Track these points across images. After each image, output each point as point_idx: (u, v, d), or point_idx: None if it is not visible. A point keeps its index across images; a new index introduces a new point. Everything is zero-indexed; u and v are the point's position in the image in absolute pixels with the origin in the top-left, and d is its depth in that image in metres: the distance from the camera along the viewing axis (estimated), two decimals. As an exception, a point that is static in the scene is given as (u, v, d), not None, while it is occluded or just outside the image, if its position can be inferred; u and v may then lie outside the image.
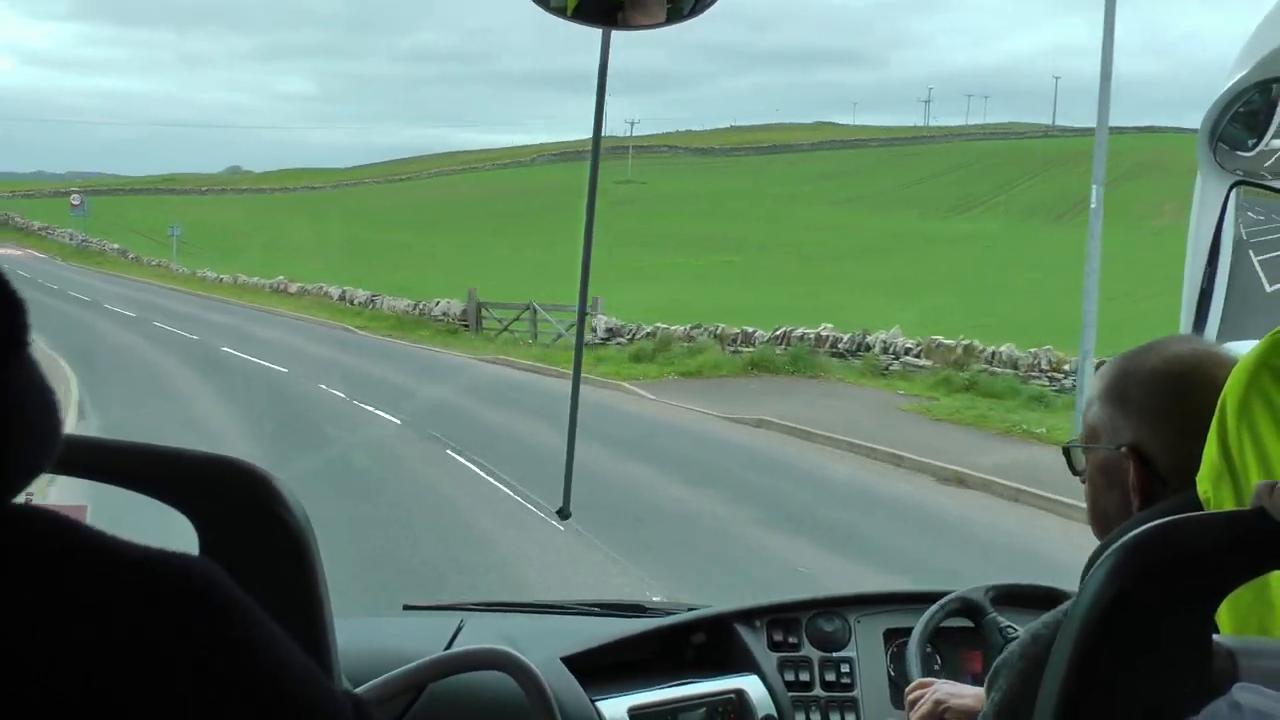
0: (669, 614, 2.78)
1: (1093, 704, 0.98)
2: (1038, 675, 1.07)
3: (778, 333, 24.37)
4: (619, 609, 2.88)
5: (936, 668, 2.54)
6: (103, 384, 19.36)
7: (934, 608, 2.36)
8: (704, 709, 2.52)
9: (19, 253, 68.59)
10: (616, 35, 2.08)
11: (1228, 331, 2.61)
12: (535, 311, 30.35)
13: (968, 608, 2.37)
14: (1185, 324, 2.71)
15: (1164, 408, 1.59)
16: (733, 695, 2.55)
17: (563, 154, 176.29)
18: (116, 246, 64.61)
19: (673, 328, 26.00)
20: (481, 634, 2.51)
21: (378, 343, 30.28)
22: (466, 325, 31.91)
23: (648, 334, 26.32)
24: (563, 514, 2.76)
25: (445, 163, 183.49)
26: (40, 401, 0.70)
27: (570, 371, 2.78)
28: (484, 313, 32.00)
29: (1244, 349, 1.44)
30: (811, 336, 23.88)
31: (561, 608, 2.97)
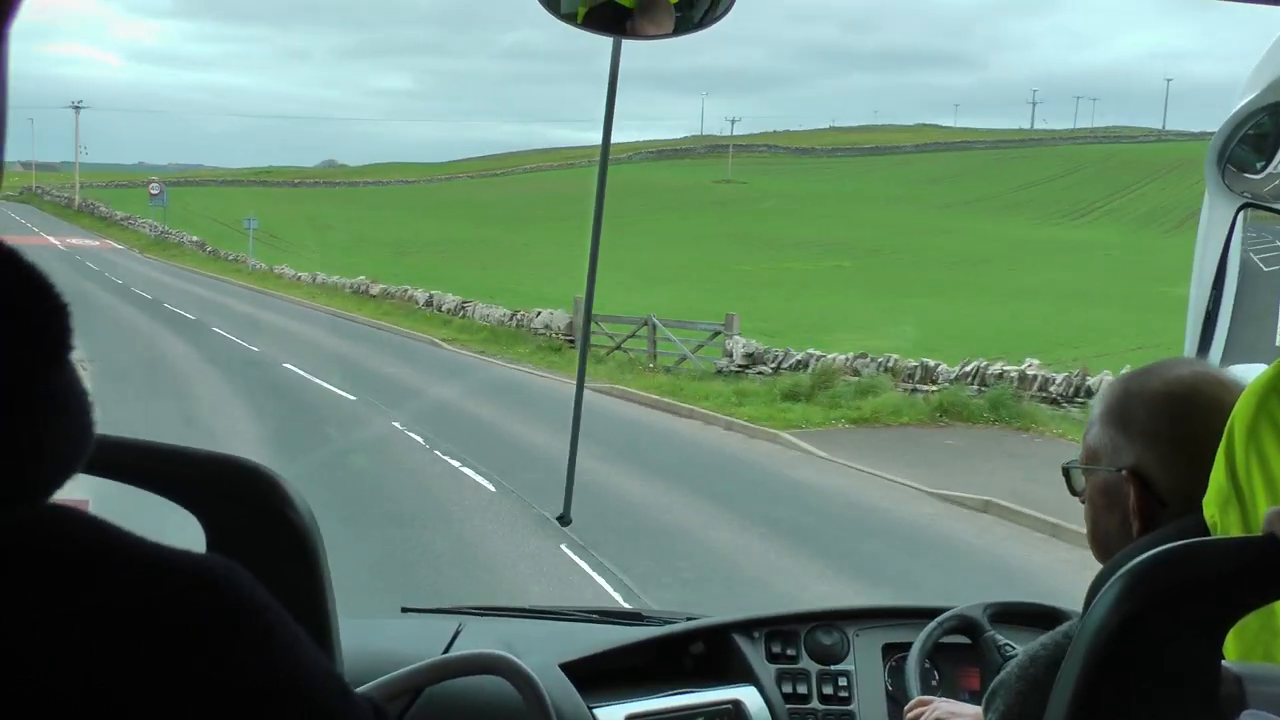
0: (668, 623, 2.78)
1: None
2: (1036, 696, 1.12)
3: (967, 368, 19.32)
4: (618, 616, 2.95)
5: (934, 684, 2.56)
6: (123, 410, 15.08)
7: (933, 624, 2.35)
8: (701, 718, 2.51)
9: (96, 243, 65.55)
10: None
11: (1233, 354, 2.61)
12: (654, 328, 25.59)
13: (966, 625, 2.36)
14: (1190, 346, 2.73)
15: (1165, 430, 1.58)
16: (730, 706, 2.54)
17: (660, 152, 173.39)
18: (195, 239, 61.15)
19: (831, 356, 21.00)
20: (480, 638, 2.52)
21: (469, 361, 25.70)
22: (572, 341, 27.27)
23: (798, 362, 21.38)
24: (563, 520, 2.68)
25: (541, 159, 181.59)
26: (77, 405, 0.69)
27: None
28: (594, 326, 27.38)
29: (1250, 372, 1.45)
30: (1014, 375, 18.80)
31: (561, 613, 2.97)
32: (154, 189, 64.17)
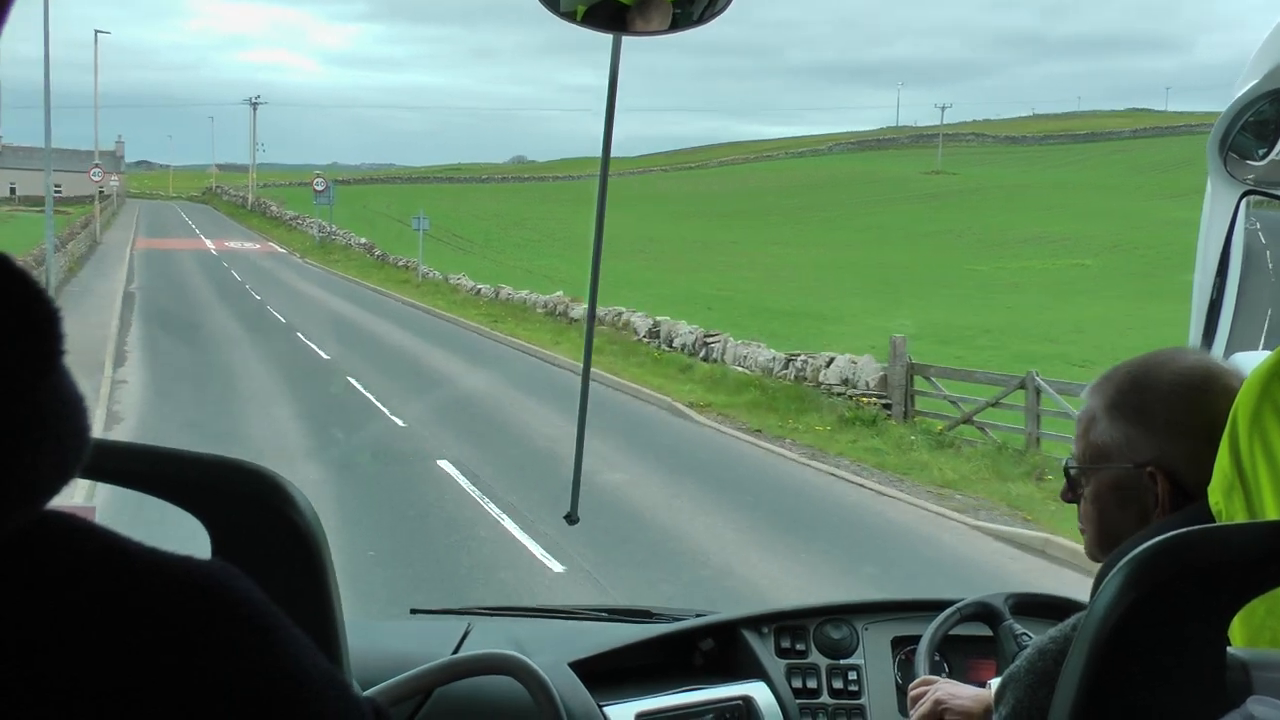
0: (677, 620, 2.76)
1: (1106, 716, 0.96)
2: (1045, 690, 1.10)
3: None
4: (627, 614, 2.90)
5: (945, 675, 2.44)
6: None
7: (948, 611, 2.31)
8: (711, 715, 2.49)
9: (256, 246, 58.22)
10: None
11: (1237, 342, 2.59)
12: (1037, 391, 15.31)
13: (985, 612, 2.33)
14: (1195, 334, 2.69)
15: (1189, 421, 1.54)
16: (740, 702, 2.52)
17: (861, 143, 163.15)
18: (363, 241, 53.12)
19: None
20: (489, 638, 2.50)
21: (747, 454, 15.50)
22: (887, 405, 17.17)
23: None
24: (570, 519, 2.56)
25: (735, 152, 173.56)
26: (73, 410, 0.70)
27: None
28: (920, 382, 17.18)
29: (1253, 360, 1.46)
30: None
31: (569, 612, 2.98)
32: (318, 185, 56.46)
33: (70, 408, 0.69)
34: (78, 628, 0.64)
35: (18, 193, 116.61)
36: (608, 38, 2.11)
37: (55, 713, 0.63)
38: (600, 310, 28.09)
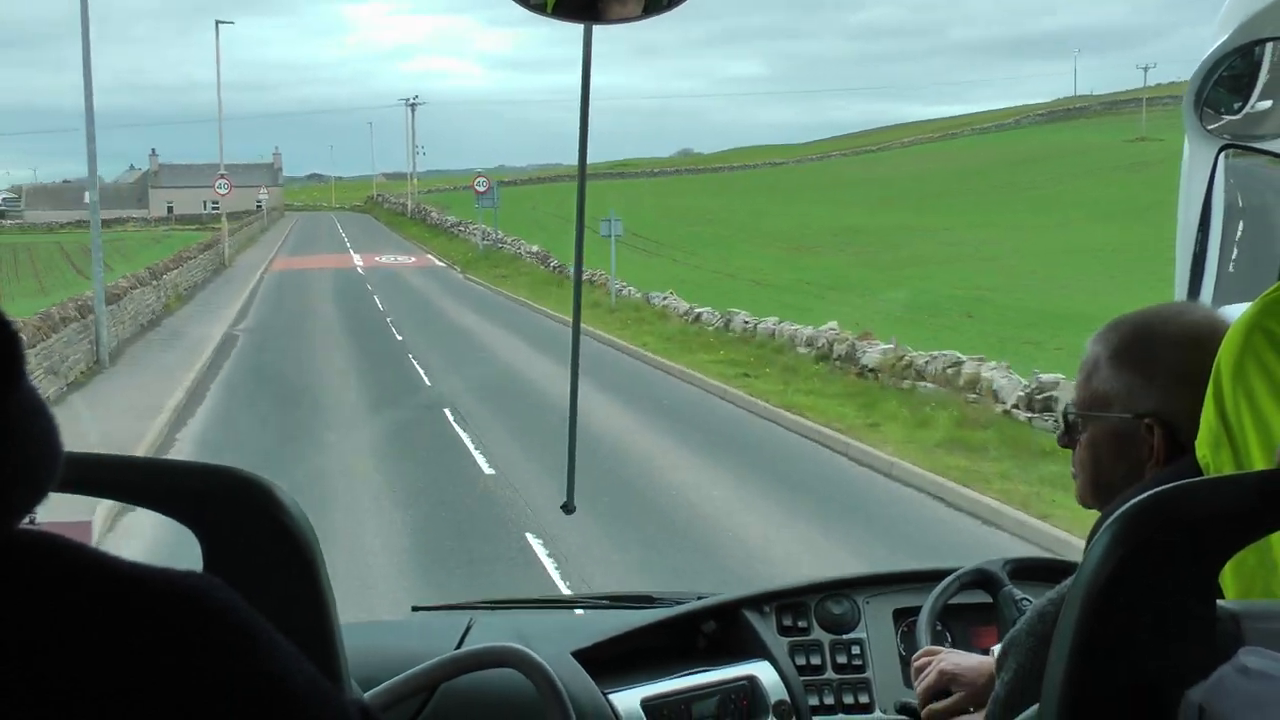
0: (678, 603, 2.75)
1: (1099, 674, 0.96)
2: (1046, 652, 1.07)
3: None
4: (628, 600, 2.89)
5: (948, 644, 2.51)
6: None
7: (948, 579, 2.31)
8: (717, 697, 2.48)
9: (411, 260, 49.64)
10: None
11: (1223, 295, 2.58)
12: None
13: (984, 579, 2.32)
14: (1180, 289, 2.69)
15: (1193, 375, 1.51)
16: (745, 682, 2.52)
17: (1050, 114, 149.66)
18: (535, 249, 43.78)
19: None
20: (491, 632, 2.50)
21: None
22: None
23: None
24: (566, 509, 2.60)
25: (916, 131, 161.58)
26: (40, 427, 0.71)
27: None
28: None
29: (1239, 313, 1.43)
30: None
31: (570, 602, 3.19)
32: (480, 186, 47.51)
33: (38, 423, 0.70)
34: (55, 641, 0.65)
35: (175, 211, 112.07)
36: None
37: (55, 713, 0.63)
38: (828, 331, 19.41)
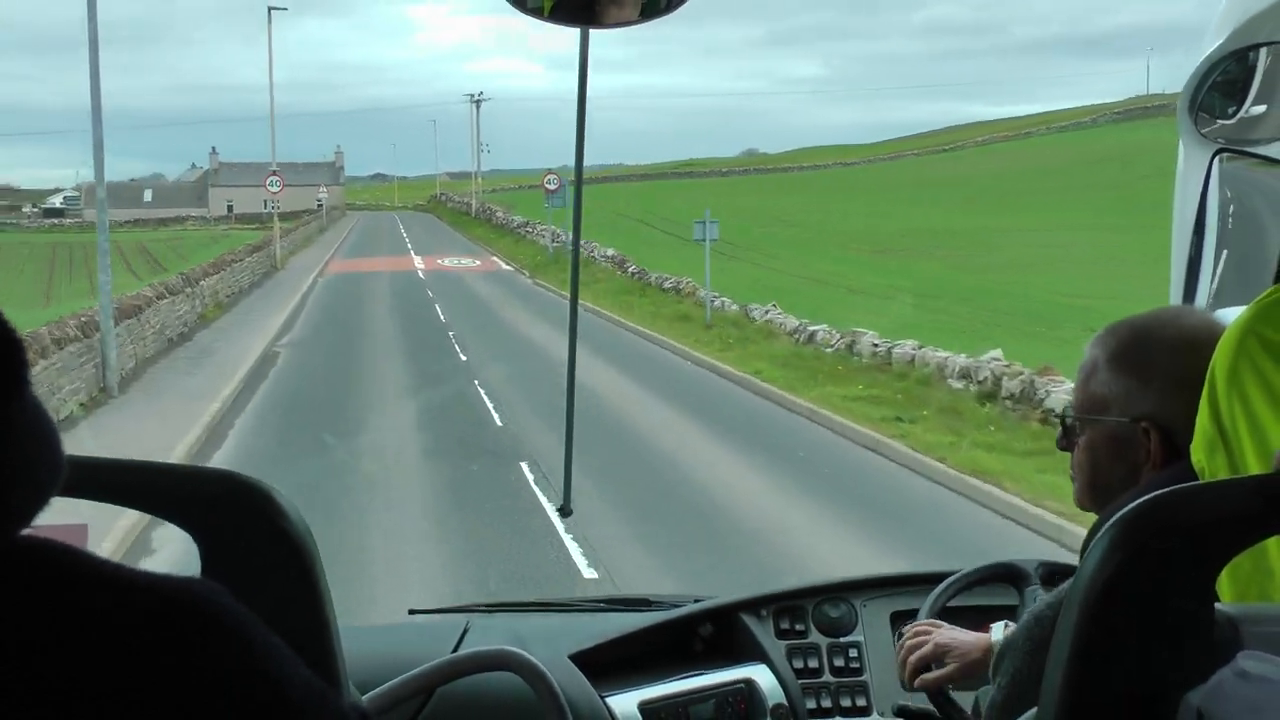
0: (675, 606, 2.75)
1: (1098, 678, 0.96)
2: (1043, 656, 1.07)
3: None
4: (625, 603, 2.91)
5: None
6: None
7: (954, 577, 2.27)
8: (714, 700, 2.47)
9: (476, 264, 46.22)
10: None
11: (1220, 300, 2.59)
12: None
13: (1013, 574, 2.27)
14: (1175, 294, 2.70)
15: (1189, 379, 1.51)
16: (742, 685, 2.51)
17: (1125, 112, 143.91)
18: (610, 253, 40.07)
19: None
20: (488, 635, 2.49)
21: None
22: None
23: None
24: (563, 511, 2.77)
25: (989, 130, 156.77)
26: (42, 432, 0.72)
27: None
28: None
29: (1235, 317, 1.43)
30: None
31: (568, 605, 3.02)
32: (550, 184, 43.79)
33: (40, 429, 0.71)
34: (53, 646, 0.66)
35: (234, 210, 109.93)
36: None
37: (54, 714, 0.64)
38: (990, 362, 16.06)
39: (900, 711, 2.33)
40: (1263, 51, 2.52)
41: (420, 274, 41.19)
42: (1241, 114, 2.59)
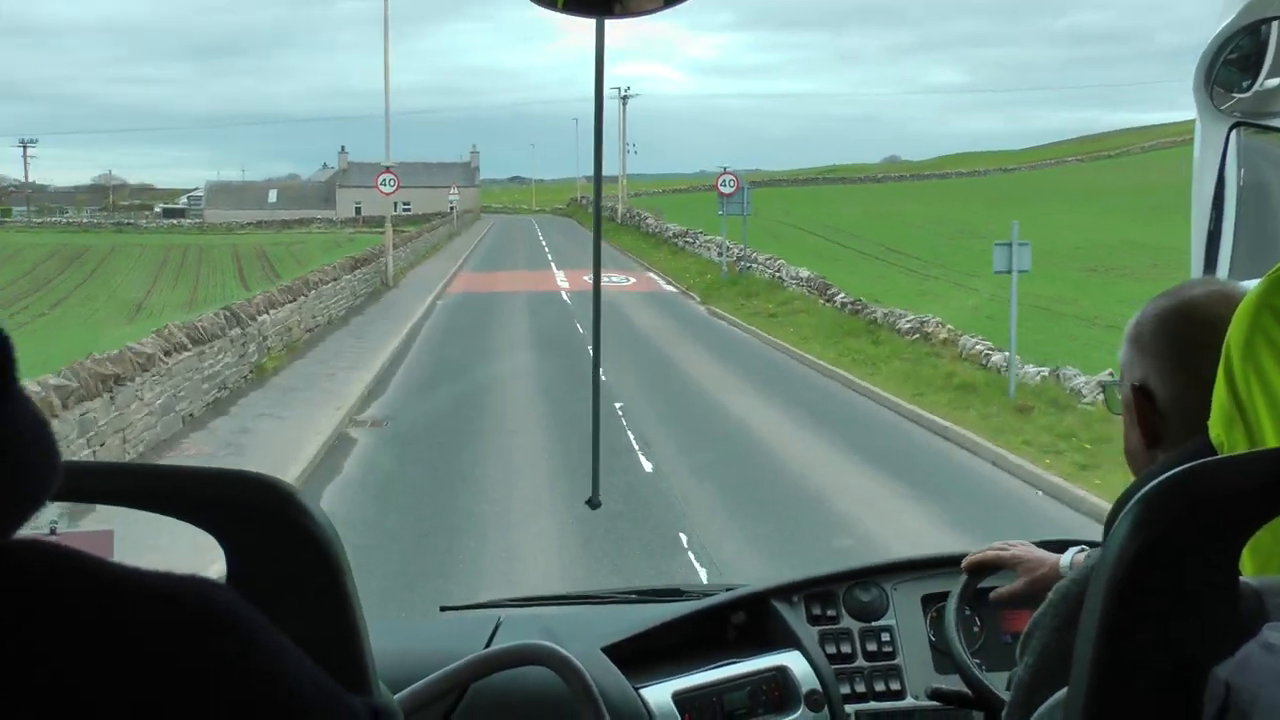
0: (706, 595, 2.74)
1: (1127, 655, 0.97)
2: (1071, 633, 1.08)
3: None
4: (656, 594, 2.88)
5: (976, 629, 2.57)
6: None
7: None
8: (748, 688, 2.48)
9: (631, 282, 37.83)
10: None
11: (1239, 272, 2.60)
12: None
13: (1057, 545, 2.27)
14: (1195, 268, 2.71)
15: (1163, 346, 1.60)
16: (776, 672, 2.51)
17: None
18: (805, 274, 30.96)
19: None
20: (520, 630, 2.48)
21: None
22: None
23: None
24: (592, 504, 2.59)
25: (1150, 136, 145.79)
26: (34, 435, 0.71)
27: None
28: None
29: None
30: None
31: (598, 597, 2.96)
32: (725, 186, 34.82)
33: (33, 434, 0.70)
34: (54, 648, 0.64)
35: (362, 212, 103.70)
36: None
37: (54, 718, 0.63)
38: None
39: (935, 694, 2.34)
40: (1275, 25, 2.55)
41: (565, 296, 32.86)
42: (1256, 87, 2.60)
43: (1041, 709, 1.21)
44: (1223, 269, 2.66)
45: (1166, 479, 0.97)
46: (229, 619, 0.71)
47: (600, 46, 2.07)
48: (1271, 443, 1.28)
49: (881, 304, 25.16)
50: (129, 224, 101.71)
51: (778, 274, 32.75)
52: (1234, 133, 2.65)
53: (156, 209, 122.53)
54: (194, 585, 0.71)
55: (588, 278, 37.87)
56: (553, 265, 43.51)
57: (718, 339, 24.60)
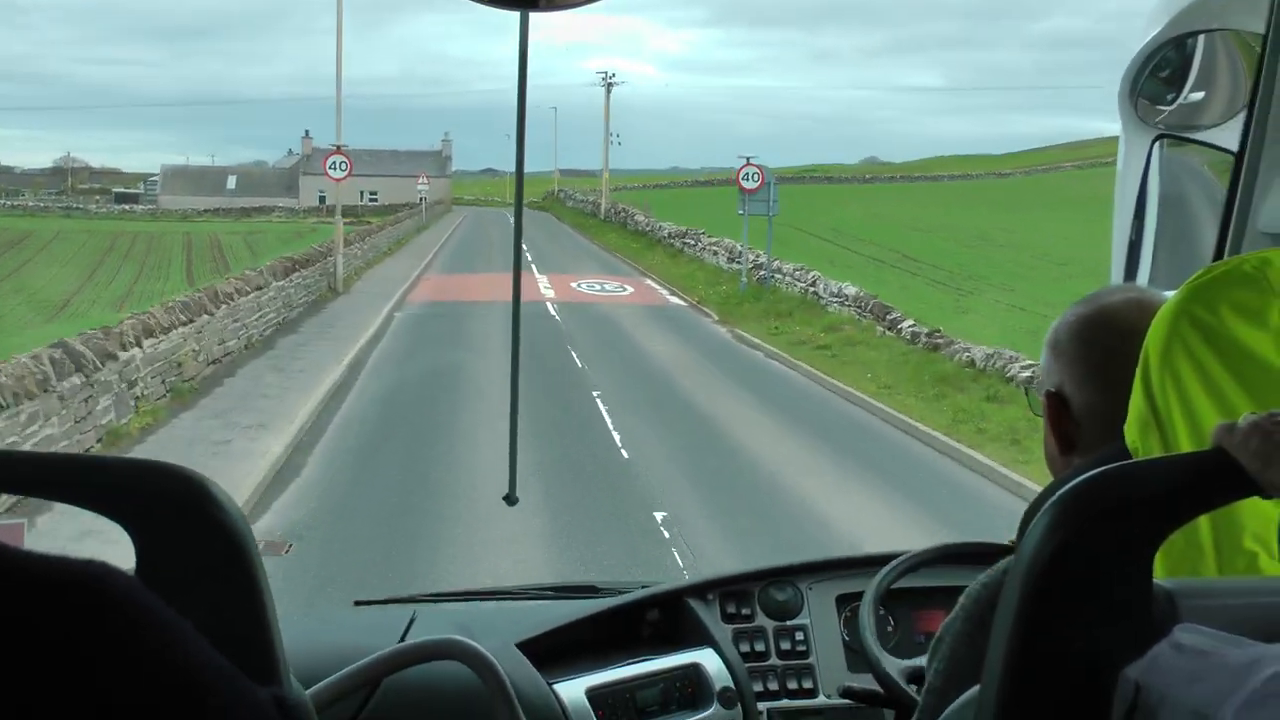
0: (622, 593, 2.76)
1: (1040, 658, 0.98)
2: (981, 636, 1.10)
3: None
4: (572, 590, 2.92)
5: (890, 629, 2.64)
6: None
7: (884, 570, 2.28)
8: (661, 685, 2.51)
9: (628, 291, 32.28)
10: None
11: (1158, 282, 2.66)
12: None
13: (956, 556, 2.31)
14: (1116, 276, 2.78)
15: (1078, 352, 1.60)
16: (689, 669, 2.54)
17: None
18: (851, 291, 25.09)
19: None
20: (435, 625, 2.50)
21: None
22: None
23: None
24: (509, 500, 2.61)
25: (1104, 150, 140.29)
26: None
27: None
28: None
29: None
30: None
31: (514, 593, 2.98)
32: (749, 180, 28.53)
33: None
34: None
35: (326, 201, 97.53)
36: None
37: None
38: None
39: (846, 692, 2.34)
40: (1201, 39, 2.59)
41: (552, 308, 26.94)
42: (1180, 100, 2.65)
43: (952, 707, 1.19)
44: (1143, 277, 2.70)
45: (1082, 482, 0.97)
46: (133, 604, 0.69)
47: (524, 42, 2.06)
48: (1185, 448, 1.28)
49: (951, 335, 19.59)
50: (78, 209, 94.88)
51: (812, 289, 27.03)
52: (1157, 144, 2.71)
53: (112, 194, 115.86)
54: (93, 569, 0.69)
55: (576, 284, 32.17)
56: (534, 268, 37.64)
57: (759, 379, 18.77)
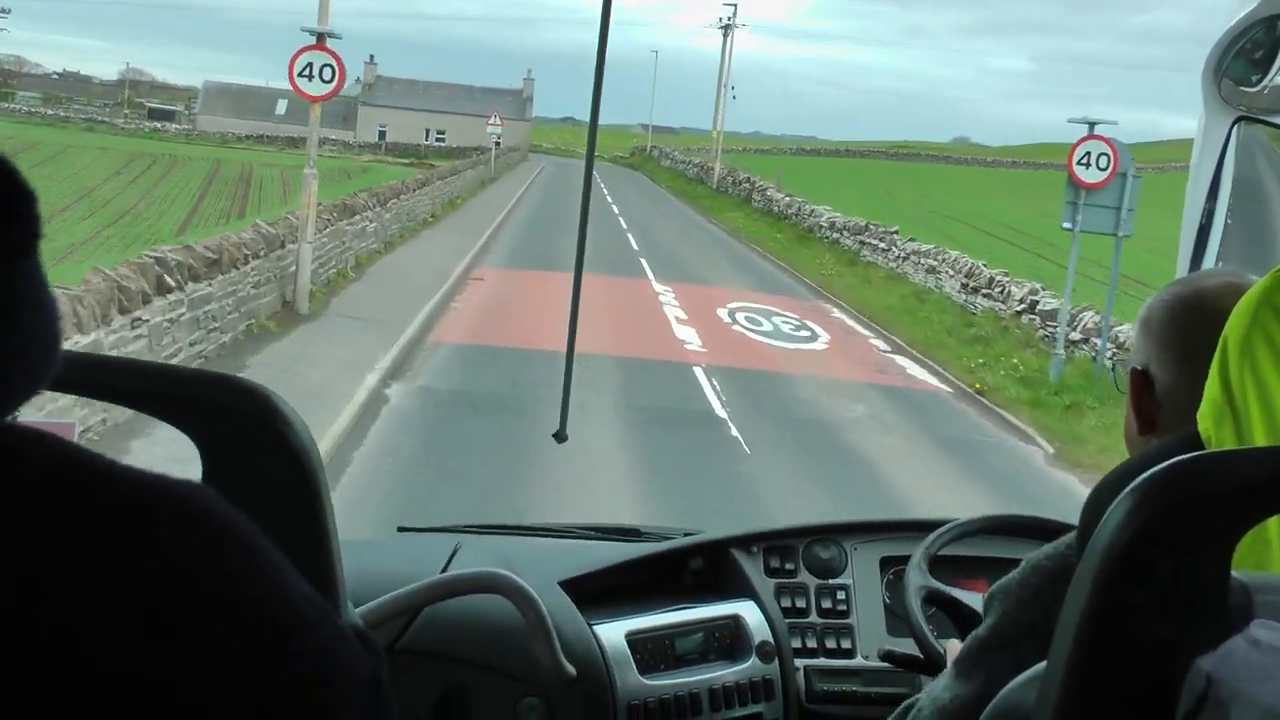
0: (666, 539, 2.75)
1: (1111, 641, 0.96)
2: (1035, 606, 1.15)
3: None
4: (616, 533, 2.88)
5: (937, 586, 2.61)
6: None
7: (931, 537, 2.26)
8: (701, 634, 2.48)
9: (808, 332, 18.80)
10: None
11: (1225, 267, 2.58)
12: None
13: (1005, 528, 2.33)
14: (1183, 261, 2.67)
15: (1169, 334, 1.58)
16: (729, 620, 2.51)
17: None
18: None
19: None
20: (478, 557, 2.46)
21: None
22: None
23: None
24: (559, 437, 2.71)
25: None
26: (48, 306, 0.68)
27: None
28: None
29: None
30: None
31: (558, 531, 2.96)
32: (1088, 167, 15.59)
33: (47, 298, 0.67)
34: (60, 536, 0.62)
35: (388, 137, 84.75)
36: None
37: (47, 612, 0.60)
38: None
39: (886, 655, 2.31)
40: None
41: (707, 386, 13.80)
42: (1266, 82, 2.55)
43: (1015, 682, 1.20)
44: (1209, 262, 2.63)
45: (1168, 468, 0.95)
46: (234, 528, 0.69)
47: (605, 18, 2.08)
48: (1260, 441, 1.27)
49: None
50: (103, 122, 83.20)
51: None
52: (1236, 127, 2.63)
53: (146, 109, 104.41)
54: (196, 492, 0.69)
55: (727, 315, 18.50)
56: (647, 270, 24.57)
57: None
